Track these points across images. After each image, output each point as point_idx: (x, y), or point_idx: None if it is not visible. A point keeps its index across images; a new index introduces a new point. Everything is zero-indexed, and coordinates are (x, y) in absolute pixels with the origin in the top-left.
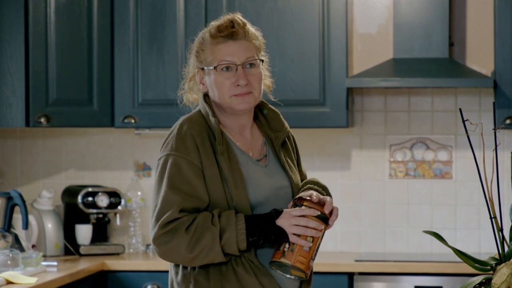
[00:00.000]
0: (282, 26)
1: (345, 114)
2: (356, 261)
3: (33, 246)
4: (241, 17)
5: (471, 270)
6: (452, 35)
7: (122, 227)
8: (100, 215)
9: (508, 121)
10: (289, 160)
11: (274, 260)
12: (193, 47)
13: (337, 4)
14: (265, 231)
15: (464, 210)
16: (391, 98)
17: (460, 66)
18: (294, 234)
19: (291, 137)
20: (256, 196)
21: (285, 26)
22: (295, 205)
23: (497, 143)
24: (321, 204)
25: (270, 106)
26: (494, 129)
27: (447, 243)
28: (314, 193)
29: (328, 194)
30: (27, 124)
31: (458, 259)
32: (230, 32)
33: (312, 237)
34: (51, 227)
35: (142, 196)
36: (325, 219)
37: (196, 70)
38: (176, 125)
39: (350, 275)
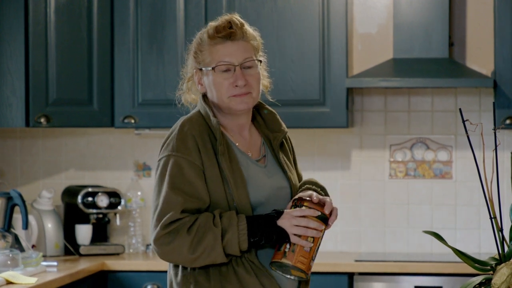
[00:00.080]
0: (282, 26)
1: (345, 114)
2: (356, 261)
3: (33, 246)
4: (239, 18)
5: (471, 270)
6: (452, 35)
7: (122, 227)
8: (100, 215)
9: (508, 121)
10: (287, 161)
11: (274, 260)
12: (191, 47)
13: (337, 4)
14: (266, 232)
15: (464, 210)
16: (391, 98)
17: (460, 66)
18: (295, 234)
19: (287, 138)
20: (257, 197)
21: (285, 26)
22: (295, 206)
23: (497, 143)
24: (321, 204)
25: (267, 106)
26: (494, 129)
27: (447, 243)
28: (314, 193)
29: (326, 194)
30: (27, 124)
31: (458, 259)
32: (228, 32)
33: (313, 237)
34: (51, 227)
35: (142, 196)
36: (325, 220)
37: (195, 70)
38: (177, 126)
39: (350, 275)
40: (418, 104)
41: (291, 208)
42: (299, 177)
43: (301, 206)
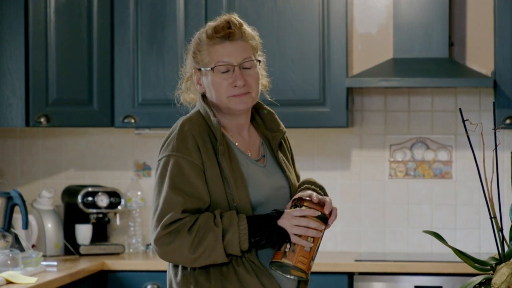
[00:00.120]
0: (282, 26)
1: (345, 114)
2: (356, 261)
3: (33, 246)
4: (237, 18)
5: (471, 270)
6: (452, 35)
7: (122, 227)
8: (100, 215)
9: (508, 121)
10: (285, 160)
11: (275, 260)
12: (189, 47)
13: (337, 4)
14: (267, 232)
15: (464, 210)
16: (391, 98)
17: (460, 66)
18: (295, 234)
19: (286, 138)
20: (257, 196)
21: (285, 26)
22: (295, 206)
23: (497, 143)
24: (321, 204)
25: (266, 106)
26: (494, 129)
27: (447, 243)
28: (314, 193)
29: (325, 194)
30: (27, 124)
31: (458, 259)
32: (227, 33)
33: (313, 237)
34: (51, 227)
35: (142, 196)
36: (325, 220)
37: (193, 70)
38: (177, 126)
39: (350, 275)
40: (418, 104)
41: (290, 208)
42: (297, 177)
43: (301, 206)
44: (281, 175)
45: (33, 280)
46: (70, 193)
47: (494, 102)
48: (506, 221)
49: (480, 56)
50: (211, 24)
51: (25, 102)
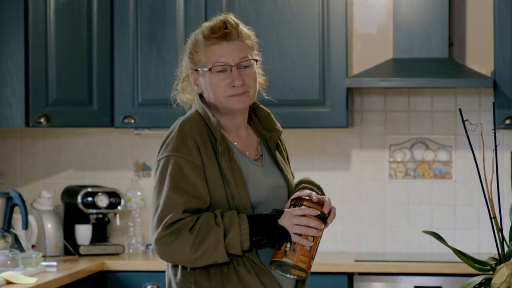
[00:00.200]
0: (282, 26)
1: (345, 114)
2: (356, 261)
3: (33, 246)
4: (233, 18)
5: (471, 270)
6: (452, 35)
7: (122, 227)
8: (100, 215)
9: (508, 121)
10: (282, 160)
11: (275, 259)
12: (186, 48)
13: (337, 4)
14: (268, 231)
15: (464, 210)
16: (391, 98)
17: (460, 66)
18: (296, 233)
19: (281, 138)
20: (257, 196)
21: (285, 26)
22: (294, 205)
23: (497, 143)
24: (320, 203)
25: (262, 106)
26: (494, 129)
27: (446, 243)
28: (313, 193)
29: (323, 193)
30: (27, 124)
31: (458, 259)
32: (224, 33)
33: (313, 236)
34: (51, 227)
35: (142, 196)
36: (324, 219)
37: (190, 71)
38: (176, 126)
39: (350, 275)
40: (418, 104)
41: (290, 207)
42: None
43: (300, 205)
44: (279, 174)
45: (33, 281)
46: (70, 193)
47: (494, 102)
48: (506, 221)
49: (480, 56)
50: (207, 24)
51: (25, 102)
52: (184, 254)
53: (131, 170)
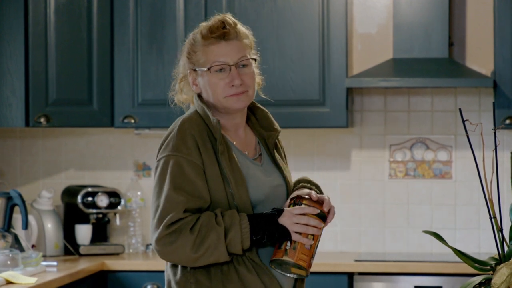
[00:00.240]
0: (282, 26)
1: (344, 114)
2: (356, 261)
3: (33, 246)
4: (231, 17)
5: (471, 270)
6: (452, 35)
7: (122, 227)
8: (100, 215)
9: (508, 121)
10: (281, 159)
11: (275, 258)
12: (184, 48)
13: (337, 4)
14: (268, 230)
15: (463, 210)
16: (391, 98)
17: (460, 66)
18: (296, 232)
19: (278, 137)
20: (257, 195)
21: (285, 26)
22: (294, 204)
23: (497, 143)
24: (319, 202)
25: (259, 105)
26: (494, 129)
27: (446, 243)
28: (313, 192)
29: (321, 192)
30: (27, 124)
31: (458, 259)
32: (222, 32)
33: (313, 235)
34: (51, 227)
35: (142, 196)
36: (324, 217)
37: (189, 71)
38: (175, 126)
39: (350, 275)
40: (418, 104)
41: (289, 206)
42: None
43: (300, 204)
44: (278, 173)
45: (33, 280)
46: (70, 193)
47: (494, 102)
48: (506, 221)
49: (480, 56)
50: (205, 24)
51: (25, 102)
52: (185, 253)
53: (131, 170)
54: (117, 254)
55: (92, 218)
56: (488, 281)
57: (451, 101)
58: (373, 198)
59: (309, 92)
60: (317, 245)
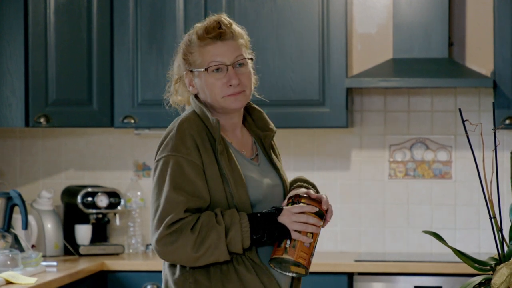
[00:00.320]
0: (282, 26)
1: (344, 114)
2: (356, 261)
3: (33, 246)
4: (227, 17)
5: (470, 270)
6: (451, 35)
7: (122, 227)
8: (100, 215)
9: (507, 121)
10: (276, 159)
11: (275, 256)
12: (179, 49)
13: (337, 4)
14: (268, 229)
15: (463, 210)
16: (391, 98)
17: (459, 66)
18: (295, 230)
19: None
20: (256, 194)
21: (285, 26)
22: (292, 203)
23: (497, 143)
24: (317, 201)
25: (255, 106)
26: (494, 129)
27: (446, 243)
28: (311, 190)
29: (317, 191)
30: (27, 124)
31: (457, 259)
32: (218, 33)
33: (312, 233)
34: (51, 227)
35: (142, 196)
36: (322, 216)
37: (185, 72)
38: (174, 126)
39: (350, 275)
40: (418, 104)
41: (287, 205)
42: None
43: (298, 203)
44: (274, 173)
45: (32, 281)
46: (69, 193)
47: (493, 102)
48: (506, 221)
49: (479, 56)
50: (200, 25)
51: (25, 102)
52: (186, 253)
53: (131, 170)
54: (117, 254)
55: (92, 218)
56: (488, 281)
57: (451, 101)
58: (373, 198)
59: (309, 92)
60: (316, 243)
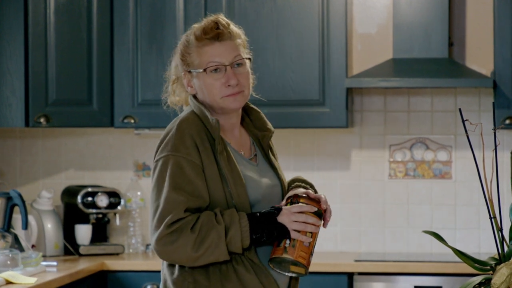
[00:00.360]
0: (282, 26)
1: (344, 114)
2: (356, 261)
3: (33, 246)
4: (224, 18)
5: (470, 270)
6: (451, 35)
7: (122, 227)
8: (100, 215)
9: (507, 121)
10: (274, 159)
11: (275, 256)
12: (176, 50)
13: (337, 4)
14: (267, 228)
15: (463, 210)
16: (391, 98)
17: (459, 66)
18: (295, 230)
19: None
20: (255, 194)
21: (285, 26)
22: (291, 203)
23: (497, 143)
24: (316, 200)
25: (253, 106)
26: (494, 129)
27: (446, 243)
28: (309, 190)
29: (315, 191)
30: (27, 124)
31: (457, 259)
32: (216, 33)
33: (311, 232)
34: (51, 227)
35: (142, 196)
36: (321, 215)
37: (183, 73)
38: (173, 126)
39: (350, 275)
40: (418, 104)
41: (286, 205)
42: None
43: (297, 202)
44: (272, 173)
45: (32, 281)
46: (69, 193)
47: (493, 102)
48: (506, 221)
49: (479, 56)
50: (197, 26)
51: (25, 102)
52: (186, 253)
53: (131, 170)
54: (117, 254)
55: (92, 218)
56: (488, 281)
57: (451, 101)
58: (373, 198)
59: (309, 92)
60: (315, 243)
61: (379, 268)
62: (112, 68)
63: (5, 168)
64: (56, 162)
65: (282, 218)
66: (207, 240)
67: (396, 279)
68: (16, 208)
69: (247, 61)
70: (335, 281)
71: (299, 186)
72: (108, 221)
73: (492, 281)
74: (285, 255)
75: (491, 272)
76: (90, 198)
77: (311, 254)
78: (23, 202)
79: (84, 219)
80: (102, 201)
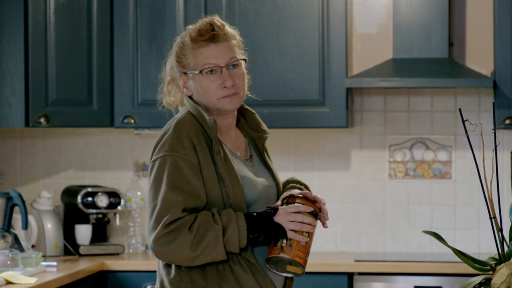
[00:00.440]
0: (282, 26)
1: (344, 114)
2: (356, 261)
3: (33, 246)
4: (219, 19)
5: (470, 270)
6: (451, 35)
7: (122, 227)
8: (100, 215)
9: (507, 121)
10: (269, 160)
11: (272, 256)
12: (172, 51)
13: (337, 4)
14: (264, 228)
15: (463, 210)
16: (391, 98)
17: (459, 66)
18: (291, 230)
19: None
20: (251, 195)
21: (285, 26)
22: (287, 203)
23: (497, 143)
24: (312, 201)
25: (248, 107)
26: (494, 129)
27: (446, 243)
28: (305, 190)
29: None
30: (27, 124)
31: (457, 259)
32: (211, 35)
33: (308, 232)
34: (51, 227)
35: (142, 196)
36: (316, 215)
37: (179, 74)
38: (170, 126)
39: (350, 275)
40: (418, 104)
41: (282, 205)
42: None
43: (293, 203)
44: (268, 174)
45: (32, 281)
46: (69, 193)
47: (493, 102)
48: (506, 221)
49: (479, 56)
50: (193, 27)
51: (25, 102)
52: (184, 252)
53: (131, 170)
54: (117, 254)
55: (92, 218)
56: (488, 281)
57: (451, 101)
58: (373, 198)
59: (309, 92)
60: (312, 243)
61: (379, 268)
62: (112, 68)
63: (5, 168)
64: (56, 162)
65: (278, 218)
66: (205, 240)
67: (396, 279)
68: (16, 208)
69: (243, 62)
70: (335, 281)
71: (294, 187)
72: (108, 221)
73: (492, 281)
74: (282, 255)
75: (491, 272)
76: (90, 198)
77: (307, 253)
78: (23, 202)
79: (84, 219)
80: (102, 201)
